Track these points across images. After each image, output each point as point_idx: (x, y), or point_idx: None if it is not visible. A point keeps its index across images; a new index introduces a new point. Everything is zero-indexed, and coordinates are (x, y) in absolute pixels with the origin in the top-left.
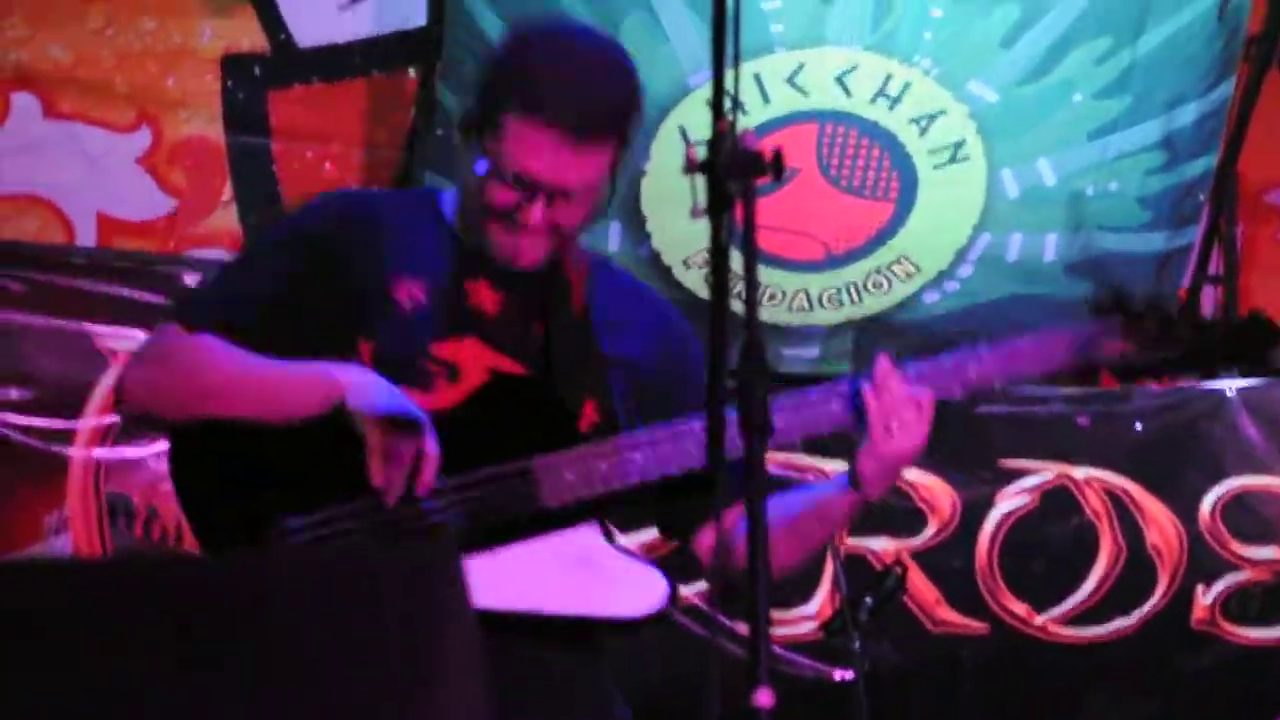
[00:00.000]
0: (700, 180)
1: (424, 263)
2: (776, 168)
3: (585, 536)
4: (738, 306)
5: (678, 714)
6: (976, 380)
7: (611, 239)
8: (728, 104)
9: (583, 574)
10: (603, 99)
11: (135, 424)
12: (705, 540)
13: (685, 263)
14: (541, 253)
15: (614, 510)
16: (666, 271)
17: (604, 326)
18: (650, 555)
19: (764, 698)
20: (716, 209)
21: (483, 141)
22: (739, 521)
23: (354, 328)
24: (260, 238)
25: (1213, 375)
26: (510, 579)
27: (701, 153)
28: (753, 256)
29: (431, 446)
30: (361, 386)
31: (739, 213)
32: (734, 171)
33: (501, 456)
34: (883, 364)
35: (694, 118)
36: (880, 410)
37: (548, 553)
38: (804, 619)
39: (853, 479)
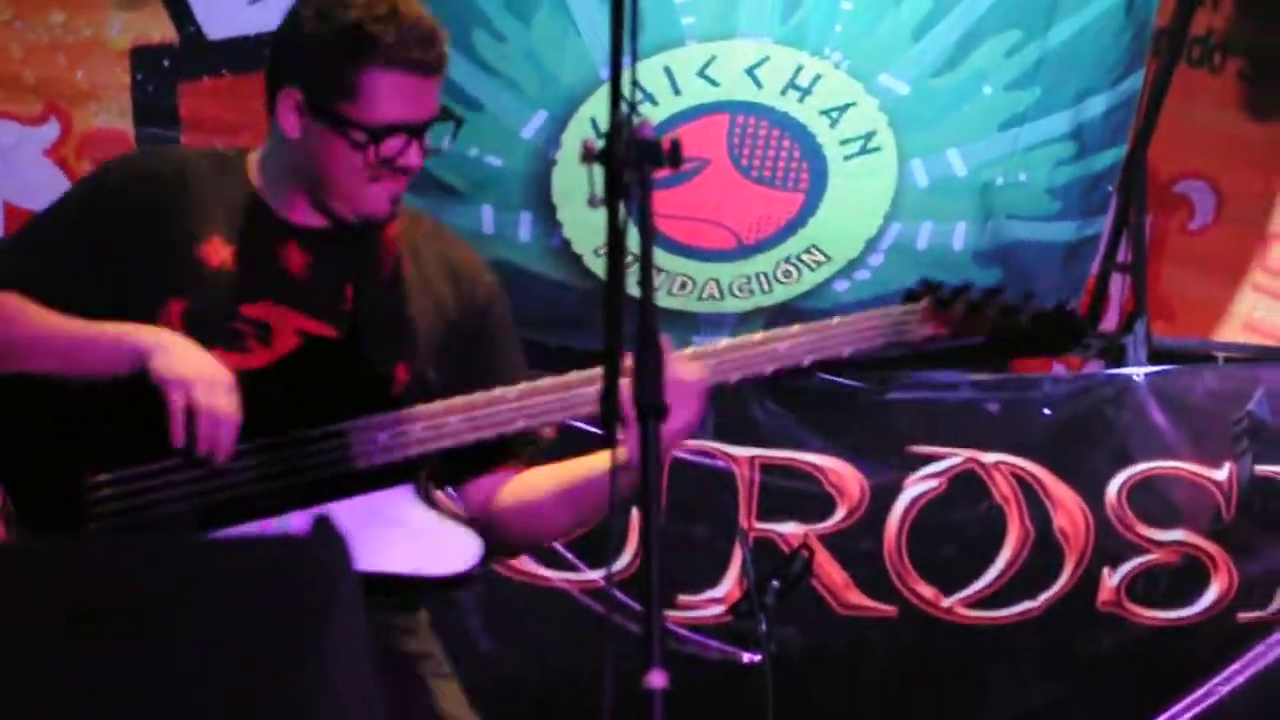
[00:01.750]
0: (598, 170)
1: (231, 225)
2: (674, 158)
3: (399, 496)
4: (639, 291)
5: (584, 696)
6: (785, 357)
7: (522, 228)
8: (627, 92)
9: (395, 533)
10: (427, 33)
11: None
12: (476, 493)
13: (596, 251)
14: (396, 199)
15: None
16: (576, 259)
17: (415, 284)
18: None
19: (657, 679)
20: (612, 197)
21: (334, 110)
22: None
23: (161, 287)
24: (64, 195)
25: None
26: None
27: (599, 143)
28: (649, 244)
29: (233, 406)
30: (164, 349)
31: (636, 202)
32: (629, 161)
33: (314, 419)
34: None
35: (604, 109)
36: None
37: (361, 511)
38: (712, 602)
39: None
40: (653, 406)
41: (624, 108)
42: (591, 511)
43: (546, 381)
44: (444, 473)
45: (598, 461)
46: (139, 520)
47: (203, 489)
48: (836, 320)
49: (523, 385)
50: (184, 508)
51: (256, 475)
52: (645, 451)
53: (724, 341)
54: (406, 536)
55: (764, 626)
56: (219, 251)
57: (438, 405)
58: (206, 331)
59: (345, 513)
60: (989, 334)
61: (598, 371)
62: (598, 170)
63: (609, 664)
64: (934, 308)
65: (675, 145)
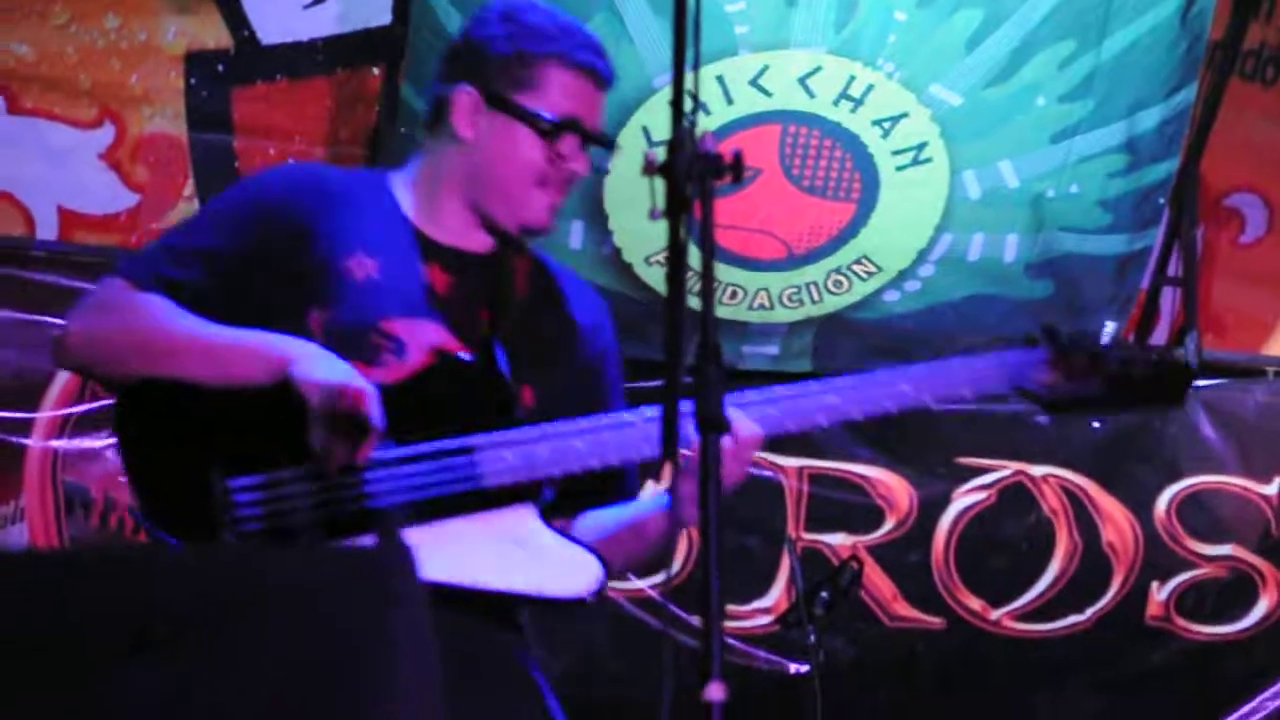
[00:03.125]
0: (659, 182)
1: (378, 241)
2: (735, 170)
3: (522, 516)
4: (693, 303)
5: (633, 706)
6: (910, 398)
7: (573, 237)
8: (688, 107)
9: (516, 552)
10: (603, 54)
11: (78, 374)
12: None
13: (647, 260)
14: (555, 212)
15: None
16: (627, 268)
17: (546, 312)
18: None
19: (716, 691)
20: (674, 211)
21: (514, 102)
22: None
23: (305, 297)
24: (214, 201)
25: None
26: (444, 551)
27: (660, 155)
28: (710, 258)
29: (374, 417)
30: (307, 358)
31: (698, 213)
32: (692, 174)
33: (441, 434)
34: None
35: (658, 118)
36: None
37: (483, 529)
38: (760, 612)
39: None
40: (713, 422)
41: (686, 120)
42: (656, 540)
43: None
44: (559, 504)
45: (640, 509)
46: (271, 528)
47: (332, 499)
48: (957, 362)
49: (645, 411)
50: (314, 517)
51: (385, 488)
52: (705, 466)
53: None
54: (529, 557)
55: (813, 637)
56: (364, 266)
57: (565, 427)
58: (345, 344)
59: (468, 529)
60: (1105, 385)
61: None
62: (658, 183)
63: (666, 675)
64: (1055, 355)
65: (737, 157)
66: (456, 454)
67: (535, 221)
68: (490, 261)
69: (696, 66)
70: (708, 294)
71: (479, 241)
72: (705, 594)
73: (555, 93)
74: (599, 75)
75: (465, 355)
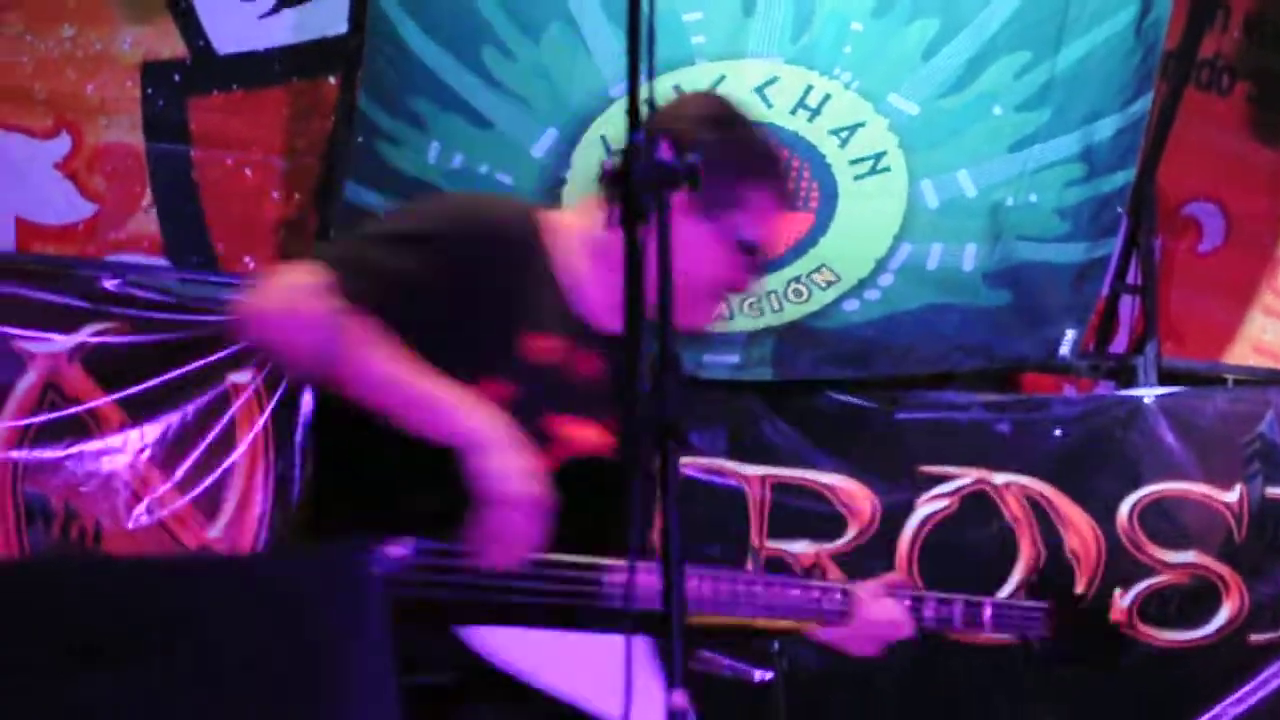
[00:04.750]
0: (615, 191)
1: (550, 318)
2: (691, 179)
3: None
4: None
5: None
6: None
7: None
8: (644, 115)
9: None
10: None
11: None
12: None
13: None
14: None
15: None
16: None
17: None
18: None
19: (678, 699)
20: (630, 220)
21: (713, 212)
22: None
23: (487, 362)
24: (420, 223)
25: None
26: (559, 661)
27: (616, 164)
28: (668, 265)
29: (542, 533)
30: (497, 446)
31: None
32: (648, 183)
33: (573, 535)
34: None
35: (615, 128)
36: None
37: (598, 645)
38: None
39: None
40: (670, 428)
41: (640, 129)
42: None
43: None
44: None
45: None
46: (418, 595)
47: (473, 584)
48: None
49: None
50: (455, 597)
51: (517, 586)
52: (664, 473)
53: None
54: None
55: (776, 645)
56: (541, 344)
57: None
58: (517, 425)
59: (583, 641)
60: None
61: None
62: (614, 191)
63: (628, 678)
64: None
65: (693, 167)
66: (583, 569)
67: (701, 324)
68: (620, 345)
69: (651, 75)
70: (665, 299)
71: (616, 324)
72: (666, 603)
73: (760, 216)
74: (791, 202)
75: (604, 457)
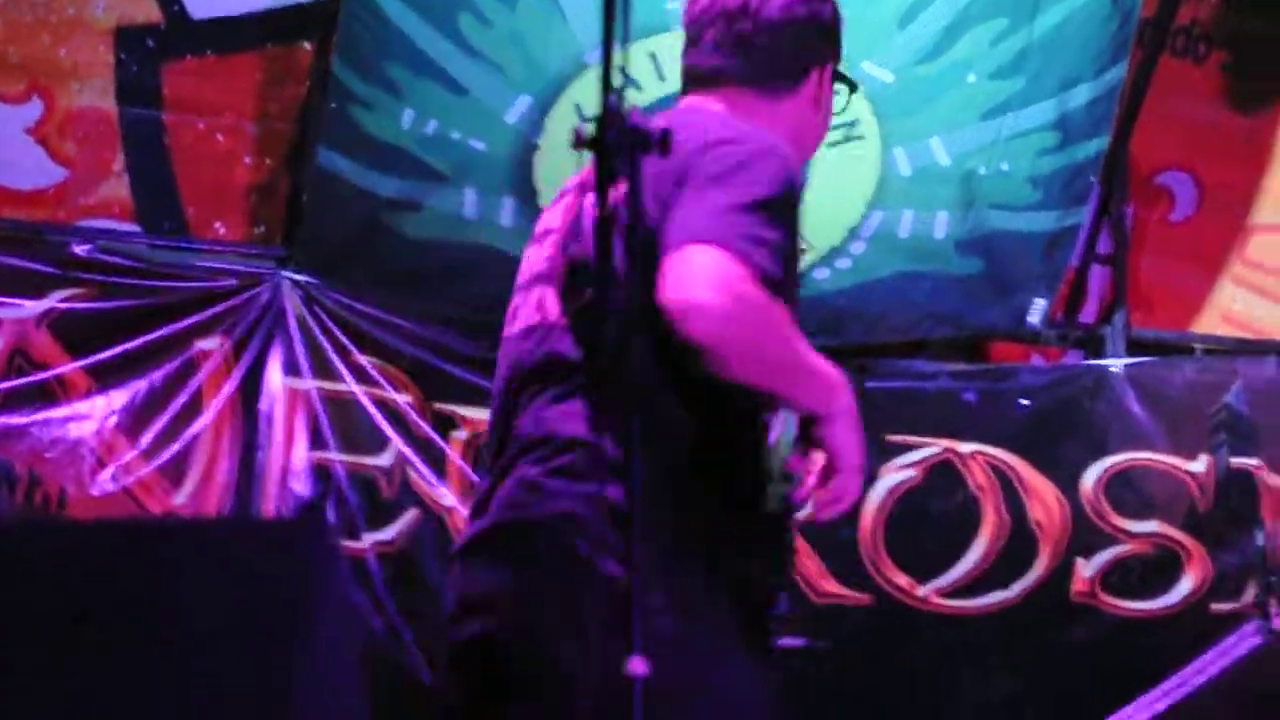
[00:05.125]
0: (588, 156)
1: None
2: (663, 145)
3: None
4: None
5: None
6: None
7: (504, 213)
8: (617, 81)
9: None
10: None
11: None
12: None
13: None
14: None
15: None
16: None
17: None
18: None
19: (637, 665)
20: (602, 184)
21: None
22: None
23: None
24: (771, 188)
25: None
26: None
27: (590, 129)
28: (636, 229)
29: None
30: (851, 417)
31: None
32: (621, 148)
33: None
34: None
35: (590, 95)
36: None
37: None
38: None
39: None
40: (633, 396)
41: (614, 94)
42: None
43: None
44: None
45: None
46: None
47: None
48: None
49: None
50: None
51: None
52: (629, 442)
53: None
54: None
55: None
56: None
57: None
58: None
59: None
60: None
61: None
62: (587, 156)
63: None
64: None
65: (665, 133)
66: None
67: None
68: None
69: (626, 39)
70: (632, 263)
71: None
72: (625, 569)
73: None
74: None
75: None
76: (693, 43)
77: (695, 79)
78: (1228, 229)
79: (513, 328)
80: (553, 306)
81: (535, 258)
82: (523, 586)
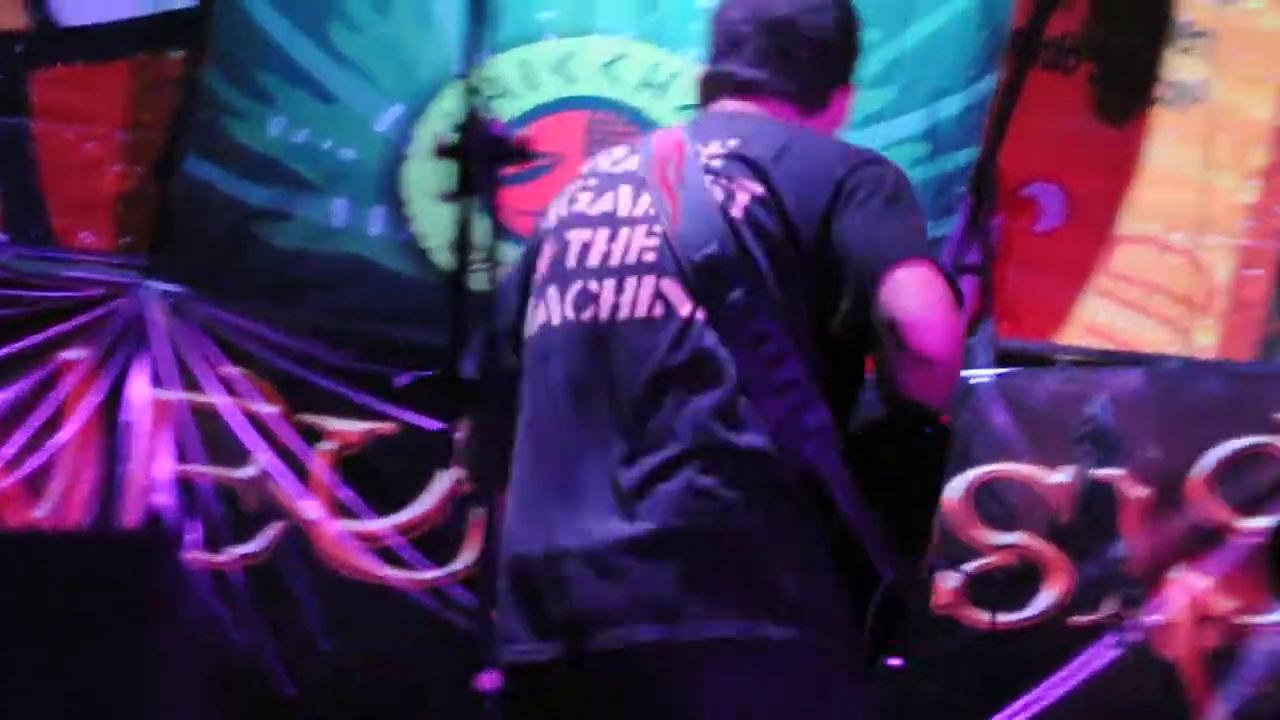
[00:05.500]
0: (449, 165)
1: None
2: (525, 155)
3: None
4: (486, 285)
5: (413, 694)
6: None
7: (373, 223)
8: (479, 90)
9: None
10: None
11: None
12: None
13: (446, 246)
14: None
15: None
16: (425, 255)
17: None
18: None
19: (488, 680)
20: (463, 193)
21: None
22: None
23: None
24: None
25: None
26: None
27: (451, 138)
28: (496, 239)
29: None
30: None
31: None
32: (481, 157)
33: None
34: None
35: (459, 103)
36: None
37: None
38: None
39: None
40: (491, 406)
41: (477, 103)
42: None
43: None
44: None
45: None
46: None
47: None
48: None
49: None
50: None
51: None
52: (485, 451)
53: None
54: None
55: None
56: None
57: None
58: None
59: None
60: None
61: None
62: (449, 165)
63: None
64: None
65: (526, 142)
66: None
67: None
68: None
69: (482, 47)
70: (494, 273)
71: None
72: (483, 584)
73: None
74: None
75: None
76: (730, 50)
77: (733, 85)
78: (1094, 240)
79: (611, 314)
80: (682, 301)
81: (622, 244)
82: (709, 597)
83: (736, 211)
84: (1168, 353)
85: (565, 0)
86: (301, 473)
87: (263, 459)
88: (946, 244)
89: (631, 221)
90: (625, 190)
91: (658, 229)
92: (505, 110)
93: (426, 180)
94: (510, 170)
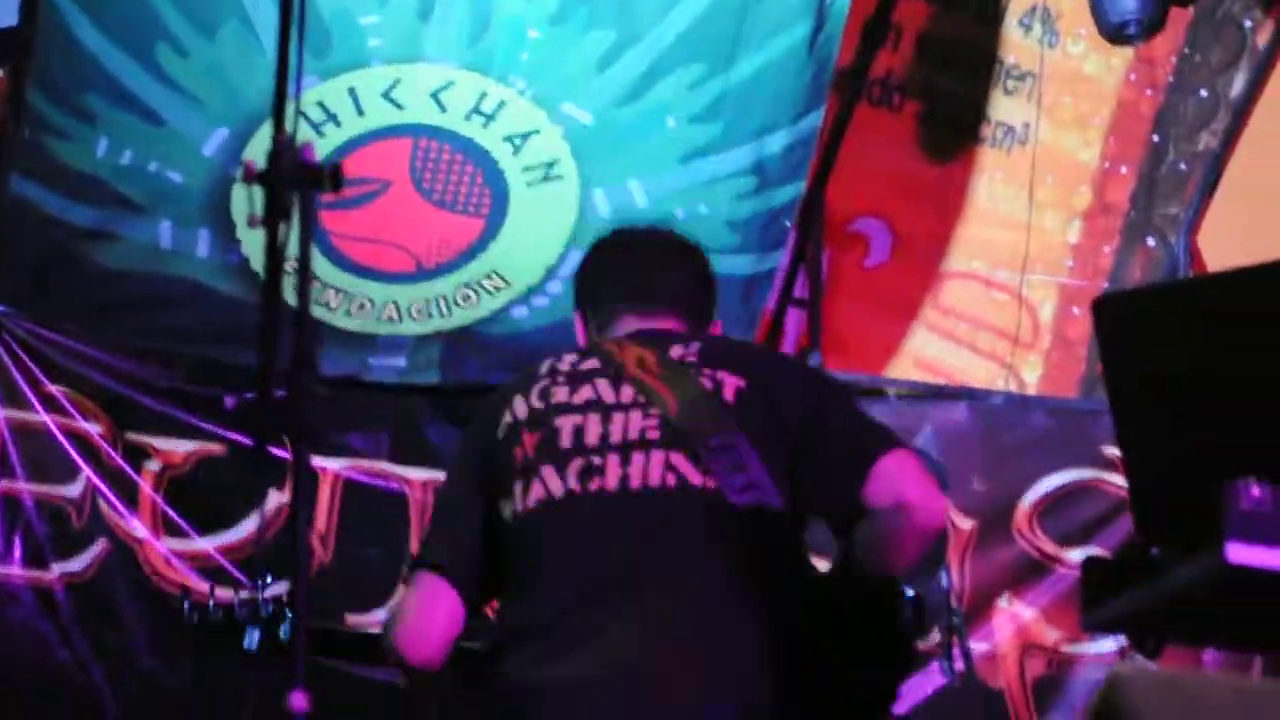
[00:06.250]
0: (259, 190)
1: None
2: (335, 182)
3: None
4: (318, 310)
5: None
6: None
7: (200, 245)
8: (295, 116)
9: None
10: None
11: None
12: None
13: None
14: None
15: None
16: (255, 277)
17: None
18: None
19: (299, 701)
20: (272, 218)
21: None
22: None
23: None
24: None
25: None
26: None
27: (259, 164)
28: (307, 266)
29: None
30: None
31: (321, 222)
32: (290, 183)
33: None
34: None
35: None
36: None
37: None
38: (380, 624)
39: None
40: (303, 425)
41: (287, 130)
42: None
43: None
44: None
45: None
46: None
47: None
48: None
49: None
50: None
51: None
52: (298, 474)
53: None
54: None
55: None
56: None
57: None
58: None
59: None
60: None
61: None
62: (259, 191)
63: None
64: None
65: (336, 169)
66: None
67: None
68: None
69: (299, 74)
70: (304, 302)
71: None
72: (293, 604)
73: None
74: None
75: None
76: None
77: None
78: (921, 275)
79: (621, 485)
80: (692, 473)
81: (619, 425)
82: None
83: (728, 398)
84: (994, 387)
85: (394, 27)
86: (128, 492)
87: (88, 477)
88: (774, 278)
89: (623, 407)
90: (603, 382)
91: (654, 411)
92: (332, 136)
93: (254, 204)
94: (330, 197)
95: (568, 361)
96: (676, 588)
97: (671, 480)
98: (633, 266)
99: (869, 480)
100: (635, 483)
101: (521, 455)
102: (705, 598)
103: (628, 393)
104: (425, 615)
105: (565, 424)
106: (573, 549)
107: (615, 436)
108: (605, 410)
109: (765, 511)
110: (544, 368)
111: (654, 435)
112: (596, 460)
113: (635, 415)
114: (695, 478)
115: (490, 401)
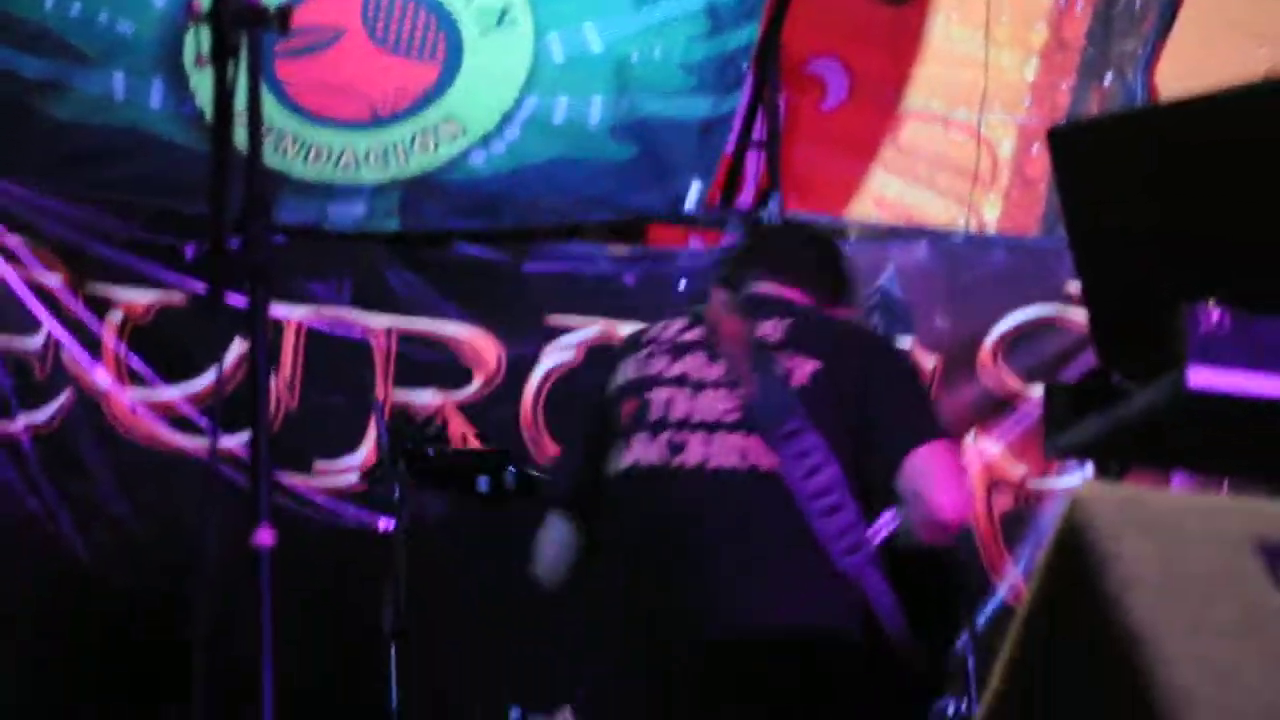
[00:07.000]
0: (205, 30)
1: None
2: (282, 23)
3: None
4: (275, 160)
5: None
6: None
7: (154, 95)
8: None
9: None
10: None
11: None
12: None
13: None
14: None
15: None
16: (209, 128)
17: None
18: None
19: (264, 536)
20: (219, 58)
21: None
22: None
23: None
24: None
25: None
26: None
27: (204, 3)
28: (258, 106)
29: None
30: None
31: (275, 71)
32: (237, 21)
33: None
34: None
35: None
36: None
37: None
38: (349, 470)
39: None
40: (259, 269)
41: None
42: None
43: None
44: None
45: None
46: None
47: None
48: None
49: None
50: None
51: None
52: (254, 313)
53: None
54: None
55: (397, 493)
56: None
57: None
58: None
59: None
60: None
61: None
62: (205, 31)
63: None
64: None
65: (283, 9)
66: None
67: None
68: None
69: None
70: (255, 145)
71: None
72: (254, 442)
73: None
74: None
75: None
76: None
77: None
78: (879, 116)
79: (700, 463)
80: (761, 456)
81: (704, 403)
82: None
83: (803, 382)
84: (955, 226)
85: None
86: (91, 343)
87: (50, 328)
88: (732, 120)
89: (711, 384)
90: (700, 357)
91: (737, 393)
92: None
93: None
94: (280, 47)
95: (675, 328)
96: (739, 560)
97: (744, 464)
98: (774, 238)
99: (901, 467)
100: (713, 463)
101: (620, 419)
102: (767, 569)
103: (717, 371)
104: (554, 554)
105: (657, 397)
106: (652, 516)
107: (699, 415)
108: (695, 387)
109: (828, 495)
110: (653, 331)
111: (733, 418)
112: (679, 437)
113: (721, 395)
114: (765, 462)
115: (613, 356)
